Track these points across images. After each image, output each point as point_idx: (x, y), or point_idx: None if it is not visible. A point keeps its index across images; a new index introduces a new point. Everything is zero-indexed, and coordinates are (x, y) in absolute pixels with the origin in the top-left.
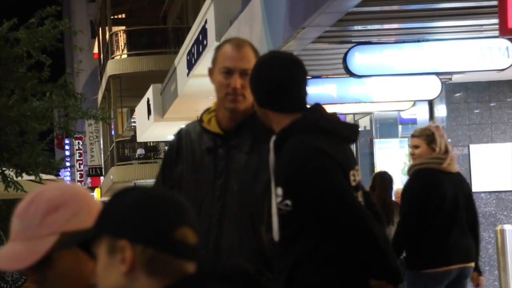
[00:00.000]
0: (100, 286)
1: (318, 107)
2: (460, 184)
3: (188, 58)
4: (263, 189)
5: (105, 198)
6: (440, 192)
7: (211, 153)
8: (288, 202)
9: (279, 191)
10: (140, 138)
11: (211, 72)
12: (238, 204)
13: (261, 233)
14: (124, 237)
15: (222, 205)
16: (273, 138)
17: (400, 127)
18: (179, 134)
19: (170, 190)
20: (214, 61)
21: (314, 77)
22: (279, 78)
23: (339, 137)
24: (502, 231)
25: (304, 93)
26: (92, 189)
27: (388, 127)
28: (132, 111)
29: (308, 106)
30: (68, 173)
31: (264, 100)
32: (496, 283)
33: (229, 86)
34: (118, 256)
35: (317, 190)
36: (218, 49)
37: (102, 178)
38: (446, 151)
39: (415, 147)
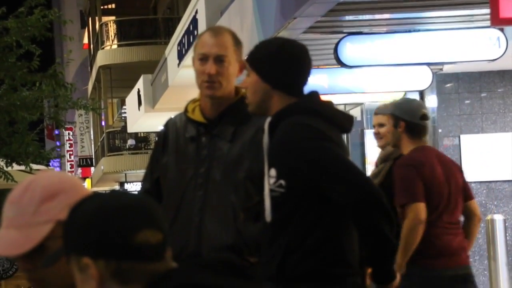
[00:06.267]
0: None
1: (314, 93)
2: None
3: (178, 48)
4: (244, 177)
5: (96, 189)
6: None
7: (194, 141)
8: (282, 182)
9: (273, 172)
10: (131, 128)
11: (193, 60)
12: (219, 193)
13: (240, 220)
14: (86, 255)
15: (204, 194)
16: (268, 119)
17: None
18: (167, 125)
19: (126, 192)
20: (194, 49)
21: None
22: (298, 59)
23: (334, 124)
24: (492, 221)
25: (307, 82)
26: (83, 179)
27: None
28: (122, 101)
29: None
30: (58, 164)
31: (278, 79)
32: (486, 272)
33: (204, 72)
34: (86, 273)
35: (314, 163)
36: (198, 37)
37: (92, 168)
38: None
39: (380, 125)
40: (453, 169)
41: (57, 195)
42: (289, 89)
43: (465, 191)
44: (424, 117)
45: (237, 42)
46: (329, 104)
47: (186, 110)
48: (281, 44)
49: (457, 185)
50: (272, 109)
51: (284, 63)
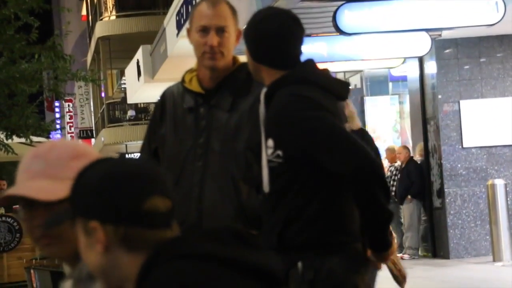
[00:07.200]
0: (86, 263)
1: (310, 62)
2: (365, 140)
3: (177, 18)
4: (244, 147)
5: None
6: None
7: (192, 112)
8: (280, 152)
9: (270, 142)
10: (131, 99)
11: (189, 32)
12: (219, 163)
13: (242, 191)
14: (94, 219)
15: (204, 164)
16: (264, 90)
17: (390, 84)
18: (163, 95)
19: (136, 158)
20: (191, 20)
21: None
22: (278, 35)
23: (330, 92)
24: (493, 186)
25: (299, 51)
26: None
27: (378, 84)
28: (122, 72)
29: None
30: (58, 136)
31: (261, 55)
32: (487, 237)
33: (206, 44)
34: (93, 236)
35: (310, 133)
36: (194, 8)
37: (93, 140)
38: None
39: None
40: None
41: (82, 156)
42: (272, 64)
43: None
44: None
45: (234, 11)
46: (324, 72)
47: (183, 80)
48: (260, 20)
49: None
50: (264, 81)
51: (261, 39)
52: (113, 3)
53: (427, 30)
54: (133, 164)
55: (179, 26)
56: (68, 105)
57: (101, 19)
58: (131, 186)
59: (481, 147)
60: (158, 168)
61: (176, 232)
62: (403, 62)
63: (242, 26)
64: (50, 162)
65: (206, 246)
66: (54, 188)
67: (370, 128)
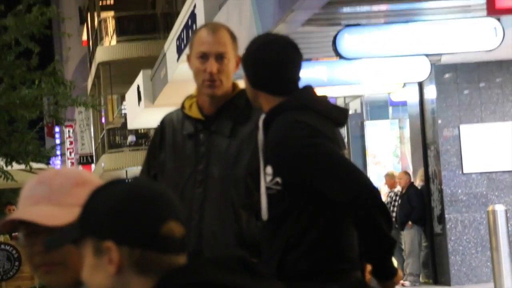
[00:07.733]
0: (88, 286)
1: (308, 88)
2: None
3: (177, 43)
4: (245, 173)
5: None
6: None
7: (192, 138)
8: (278, 179)
9: (269, 169)
10: (131, 125)
11: (188, 58)
12: (219, 189)
13: (243, 218)
14: (109, 239)
15: (204, 191)
16: (262, 117)
17: (390, 109)
18: (163, 121)
19: (152, 181)
20: (191, 46)
21: (303, 60)
22: (276, 61)
23: (329, 119)
24: (494, 212)
25: (297, 77)
26: None
27: (378, 109)
28: (122, 97)
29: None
30: (59, 162)
31: (259, 82)
32: (488, 263)
33: (206, 71)
34: (104, 257)
35: (308, 161)
36: (194, 34)
37: (93, 166)
38: None
39: None
40: None
41: (87, 183)
42: (270, 90)
43: None
44: None
45: (234, 37)
46: (322, 98)
47: (183, 106)
48: (258, 46)
49: None
50: (263, 107)
51: (259, 66)
52: (113, 28)
53: (426, 55)
54: (151, 187)
55: (179, 51)
56: (69, 131)
57: (102, 44)
58: (151, 208)
59: (481, 173)
60: (171, 192)
61: (185, 259)
62: (403, 87)
63: (243, 51)
64: (54, 188)
65: (215, 275)
66: (58, 214)
67: (370, 153)
